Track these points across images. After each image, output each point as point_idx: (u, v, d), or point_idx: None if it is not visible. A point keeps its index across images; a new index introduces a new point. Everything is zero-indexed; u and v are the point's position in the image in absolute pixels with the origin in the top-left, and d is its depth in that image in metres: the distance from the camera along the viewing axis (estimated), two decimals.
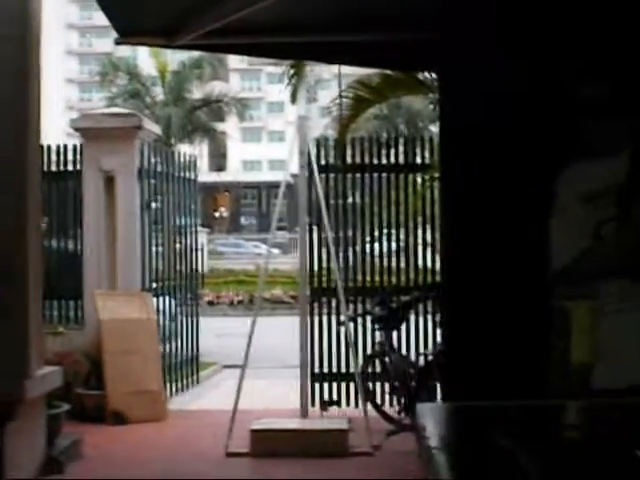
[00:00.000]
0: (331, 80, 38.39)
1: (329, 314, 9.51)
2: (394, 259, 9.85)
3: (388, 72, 8.86)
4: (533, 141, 3.44)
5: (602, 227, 2.93)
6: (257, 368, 11.12)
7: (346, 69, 9.46)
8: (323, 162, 9.53)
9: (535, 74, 3.53)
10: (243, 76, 64.17)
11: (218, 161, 56.41)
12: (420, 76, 9.08)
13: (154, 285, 9.97)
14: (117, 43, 6.01)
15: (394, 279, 9.68)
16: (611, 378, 2.49)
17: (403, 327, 8.96)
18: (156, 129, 11.03)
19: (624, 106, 3.04)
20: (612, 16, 3.54)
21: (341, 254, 9.68)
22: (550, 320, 2.01)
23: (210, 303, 22.08)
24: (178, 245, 10.75)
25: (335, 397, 9.44)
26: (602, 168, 3.05)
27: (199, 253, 11.28)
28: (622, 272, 2.74)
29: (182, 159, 10.78)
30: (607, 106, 3.03)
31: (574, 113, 3.08)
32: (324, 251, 9.42)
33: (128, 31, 5.83)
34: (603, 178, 3.00)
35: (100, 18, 5.77)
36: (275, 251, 33.19)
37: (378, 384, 8.84)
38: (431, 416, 1.98)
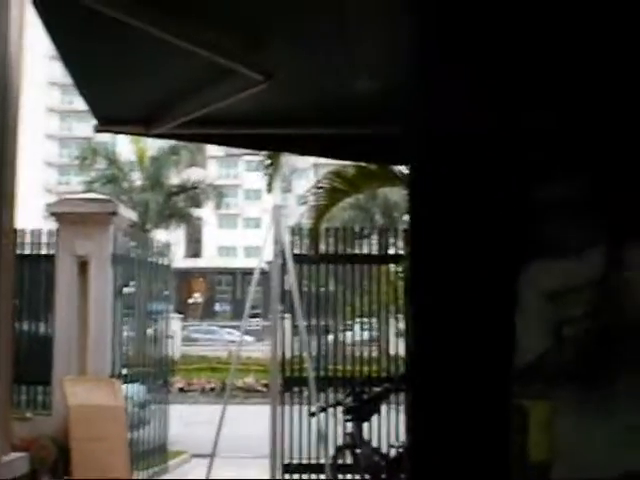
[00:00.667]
0: (307, 169, 38.79)
1: (300, 404, 9.46)
2: (366, 348, 9.85)
3: (363, 164, 8.99)
4: (500, 236, 3.50)
5: (563, 327, 2.97)
6: (227, 457, 10.98)
7: (322, 159, 9.59)
8: (297, 251, 9.59)
9: (501, 170, 3.60)
10: (221, 163, 64.72)
11: (194, 247, 56.50)
12: (395, 169, 9.22)
13: (124, 371, 9.89)
14: (96, 131, 6.08)
15: (366, 368, 9.67)
16: (568, 475, 2.50)
17: (374, 418, 8.92)
18: (132, 215, 11.10)
19: (596, 203, 3.11)
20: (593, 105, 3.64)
21: (314, 342, 9.68)
22: (510, 416, 2.03)
23: (181, 390, 21.85)
24: (150, 331, 10.71)
25: None
26: (567, 265, 3.10)
27: (171, 339, 11.24)
28: (579, 375, 2.78)
29: (156, 245, 10.82)
30: (578, 203, 3.09)
31: (541, 211, 3.15)
32: (297, 339, 9.41)
33: (107, 118, 5.90)
34: (567, 276, 3.05)
35: (81, 103, 5.85)
36: (248, 338, 33.06)
37: (349, 476, 8.76)
38: None
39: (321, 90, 5.26)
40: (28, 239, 9.93)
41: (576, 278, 3.02)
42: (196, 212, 37.37)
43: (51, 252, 9.86)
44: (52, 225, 10.09)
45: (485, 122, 3.74)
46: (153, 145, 34.77)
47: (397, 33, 4.06)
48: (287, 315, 9.42)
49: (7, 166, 4.32)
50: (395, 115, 4.27)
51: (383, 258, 9.74)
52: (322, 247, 9.72)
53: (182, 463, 11.91)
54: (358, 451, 8.36)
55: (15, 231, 5.31)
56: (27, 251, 9.91)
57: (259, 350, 26.42)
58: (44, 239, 9.96)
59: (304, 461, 9.42)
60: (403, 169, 8.80)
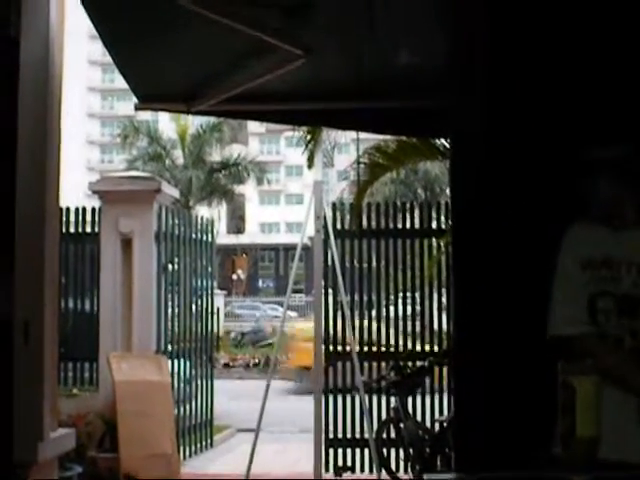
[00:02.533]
0: (348, 144, 38.72)
1: (344, 378, 9.48)
2: (410, 323, 9.84)
3: (404, 138, 8.94)
4: (545, 206, 3.47)
5: (600, 297, 2.95)
6: (271, 432, 11.06)
7: (363, 134, 9.55)
8: (339, 226, 9.58)
9: (545, 140, 3.57)
10: (262, 140, 64.75)
11: (236, 223, 56.69)
12: (436, 142, 9.16)
13: (170, 347, 9.98)
14: (137, 109, 6.12)
15: (409, 344, 9.66)
16: (617, 450, 2.48)
17: (418, 393, 8.92)
18: (174, 192, 11.14)
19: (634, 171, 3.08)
20: (629, 76, 3.60)
21: (357, 318, 9.68)
22: (557, 391, 2.02)
23: (226, 365, 22.01)
24: (194, 307, 10.78)
25: (349, 463, 9.36)
26: (604, 236, 3.07)
27: (215, 315, 11.30)
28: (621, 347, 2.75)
29: (200, 222, 10.86)
30: (619, 170, 3.07)
31: (586, 176, 3.12)
32: (340, 315, 9.42)
33: (148, 97, 5.93)
34: (605, 246, 3.03)
35: (122, 81, 5.87)
36: (292, 314, 33.19)
37: (393, 450, 8.78)
38: None
39: (361, 64, 5.24)
40: (72, 217, 10.02)
41: (613, 248, 3.01)
42: (238, 189, 37.42)
43: (95, 230, 9.94)
44: (95, 203, 10.17)
45: (529, 96, 3.71)
46: (194, 122, 34.83)
47: (441, 7, 4.04)
48: (330, 290, 9.42)
49: (51, 145, 4.35)
50: (436, 88, 4.25)
51: (425, 232, 9.70)
52: (364, 222, 9.70)
53: (227, 438, 12.02)
54: (402, 426, 8.36)
55: (60, 210, 5.36)
56: (72, 229, 10.00)
57: (302, 326, 26.52)
58: (88, 217, 10.05)
59: (348, 436, 9.45)
60: (444, 142, 8.74)
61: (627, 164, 3.06)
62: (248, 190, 44.06)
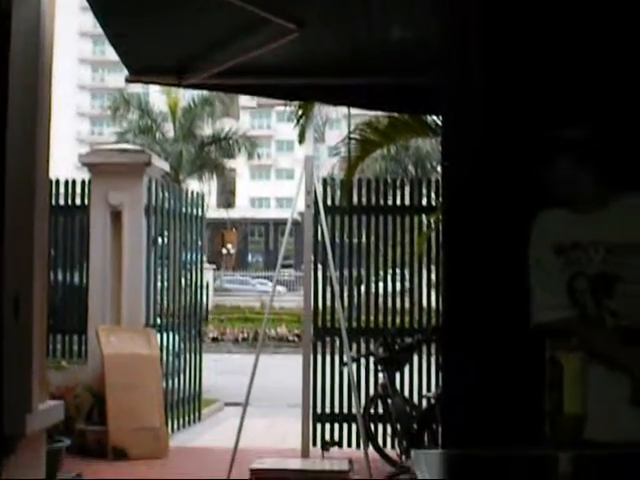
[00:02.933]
0: (340, 120, 38.62)
1: (332, 354, 9.51)
2: (398, 300, 9.86)
3: (395, 115, 8.92)
4: (533, 185, 3.48)
5: (575, 280, 2.96)
6: (259, 406, 11.10)
7: (355, 110, 9.52)
8: (330, 202, 9.58)
9: (538, 117, 3.57)
10: (253, 114, 64.56)
11: (226, 198, 56.61)
12: (428, 119, 9.14)
13: (158, 321, 9.99)
14: (127, 81, 6.09)
15: (398, 320, 9.69)
16: (604, 430, 2.50)
17: (406, 369, 8.95)
18: (165, 166, 11.11)
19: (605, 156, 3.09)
20: (605, 62, 3.60)
21: (346, 293, 9.69)
22: (544, 368, 2.03)
23: (214, 339, 22.04)
24: (183, 281, 10.78)
25: (337, 438, 9.40)
26: (571, 220, 3.09)
27: (204, 289, 11.30)
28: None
29: (190, 195, 10.84)
30: (576, 152, 3.07)
31: (546, 159, 3.12)
32: (329, 290, 9.43)
33: (139, 69, 5.91)
34: (572, 229, 3.04)
35: (113, 53, 5.84)
36: (281, 289, 33.22)
37: (380, 426, 8.82)
38: (426, 464, 2.00)
39: (353, 40, 5.23)
40: (62, 190, 9.99)
41: (585, 232, 3.03)
42: (229, 163, 37.36)
43: (85, 203, 9.91)
44: (85, 176, 10.14)
45: (522, 72, 3.71)
46: (185, 96, 34.70)
47: None
48: (319, 266, 9.43)
49: (41, 117, 4.33)
50: (428, 65, 4.24)
51: (416, 209, 9.70)
52: (354, 198, 9.69)
53: (215, 411, 12.06)
54: (390, 401, 8.40)
55: (49, 182, 5.34)
56: (61, 202, 9.97)
57: (291, 300, 26.59)
58: (78, 190, 10.02)
59: (336, 411, 9.48)
60: (436, 119, 8.73)
61: (585, 145, 3.06)
62: (239, 164, 44.00)
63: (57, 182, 9.84)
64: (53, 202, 9.52)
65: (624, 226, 2.99)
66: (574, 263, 3.02)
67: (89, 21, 57.70)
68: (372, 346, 9.14)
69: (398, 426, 8.17)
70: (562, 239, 3.05)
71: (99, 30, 5.55)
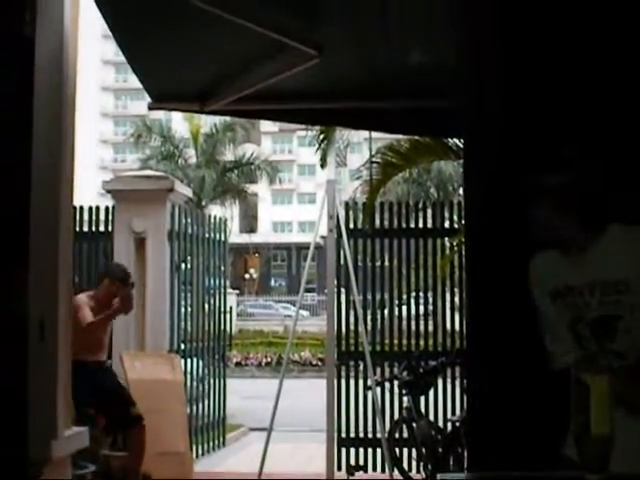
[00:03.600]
0: (361, 144, 38.68)
1: (356, 378, 9.48)
2: (422, 323, 9.83)
3: (417, 138, 8.93)
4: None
5: (576, 326, 2.93)
6: (284, 431, 11.07)
7: (376, 133, 9.53)
8: (352, 225, 9.58)
9: (559, 140, 3.57)
10: (275, 139, 64.79)
11: (249, 222, 56.76)
12: (450, 141, 9.14)
13: (182, 346, 10.00)
14: (150, 108, 6.14)
15: (422, 343, 9.66)
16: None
17: (431, 392, 8.92)
18: (187, 191, 11.16)
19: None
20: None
21: (369, 317, 9.68)
22: (570, 391, 2.01)
23: (238, 364, 22.05)
24: (207, 306, 10.80)
25: (362, 462, 9.36)
26: (561, 264, 3.05)
27: (228, 314, 11.32)
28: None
29: (212, 221, 10.88)
30: (558, 196, 3.02)
31: (532, 205, 3.10)
32: (352, 314, 9.42)
33: (161, 96, 5.95)
34: (563, 274, 3.01)
35: (135, 81, 5.90)
36: (304, 313, 33.21)
37: (405, 450, 8.78)
38: None
39: (374, 63, 5.25)
40: (86, 216, 10.05)
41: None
42: (251, 188, 37.48)
43: (109, 229, 9.97)
44: (109, 202, 10.20)
45: (543, 95, 3.71)
46: (207, 122, 34.89)
47: (455, 5, 4.04)
48: (342, 290, 9.43)
49: (65, 144, 4.37)
50: (448, 88, 4.25)
51: (438, 232, 9.69)
52: (377, 221, 9.69)
53: (240, 436, 12.04)
54: (414, 425, 8.36)
55: (74, 208, 5.38)
56: (85, 228, 10.03)
57: (314, 325, 26.56)
58: (102, 216, 10.08)
59: (360, 435, 9.45)
60: (457, 142, 8.73)
61: (567, 189, 3.02)
62: (261, 189, 44.13)
63: (81, 209, 9.90)
64: (77, 229, 9.57)
65: (612, 263, 2.93)
66: (571, 307, 2.98)
67: (111, 49, 58.24)
68: (396, 370, 9.11)
69: (423, 450, 8.12)
70: (557, 284, 3.02)
71: (121, 58, 5.61)
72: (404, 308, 9.98)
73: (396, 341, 9.69)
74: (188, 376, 9.86)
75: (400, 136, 9.25)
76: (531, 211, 3.04)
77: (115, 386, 7.60)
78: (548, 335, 3.00)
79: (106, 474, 8.44)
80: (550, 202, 2.99)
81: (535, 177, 3.03)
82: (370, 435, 9.34)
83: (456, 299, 9.69)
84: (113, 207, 9.94)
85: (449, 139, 8.95)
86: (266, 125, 51.98)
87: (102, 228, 10.06)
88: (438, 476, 2.51)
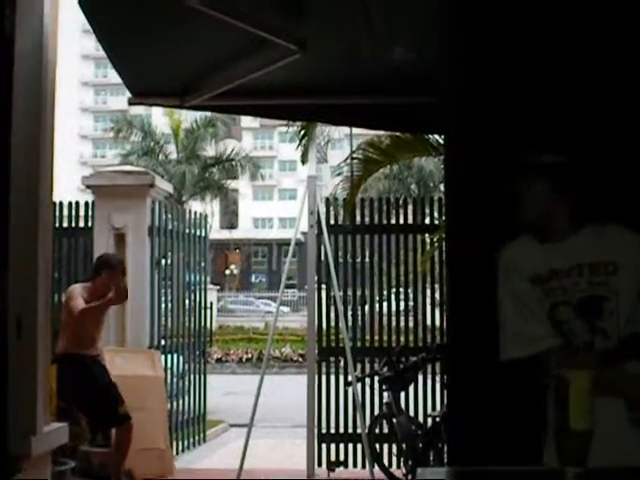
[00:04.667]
0: (342, 140, 38.70)
1: (337, 374, 9.49)
2: (403, 319, 9.85)
3: (397, 134, 8.95)
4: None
5: (555, 310, 2.95)
6: (264, 427, 11.08)
7: (357, 129, 9.54)
8: (333, 221, 9.58)
9: (539, 136, 3.58)
10: (256, 135, 64.71)
11: (229, 218, 56.68)
12: (430, 138, 9.17)
13: (163, 342, 9.98)
14: (130, 104, 6.12)
15: (402, 339, 9.67)
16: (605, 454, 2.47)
17: (411, 388, 8.94)
18: (168, 187, 11.13)
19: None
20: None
21: (350, 313, 9.69)
22: (550, 386, 2.02)
23: (219, 360, 22.02)
24: (187, 302, 10.77)
25: (342, 458, 9.37)
26: (543, 251, 3.07)
27: (208, 310, 11.30)
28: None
29: (193, 217, 10.85)
30: (543, 183, 3.04)
31: (513, 190, 3.11)
32: (333, 310, 9.43)
33: (141, 91, 5.93)
34: (546, 260, 3.03)
35: (115, 76, 5.88)
36: (284, 309, 33.23)
37: (385, 445, 8.79)
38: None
39: (355, 60, 5.25)
40: (66, 212, 10.01)
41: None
42: (232, 184, 37.43)
43: (89, 225, 9.92)
44: (89, 198, 10.16)
45: (523, 91, 3.72)
46: (188, 117, 34.83)
47: (435, 3, 4.04)
48: (323, 286, 9.43)
49: (44, 140, 4.35)
50: (430, 85, 4.26)
51: (419, 228, 9.70)
52: (357, 217, 9.70)
53: (220, 432, 12.03)
54: (395, 421, 8.37)
55: (53, 204, 5.35)
56: (65, 224, 9.99)
57: (295, 321, 26.57)
58: (81, 212, 10.03)
59: (341, 431, 9.46)
60: (438, 138, 8.75)
61: (552, 175, 3.04)
62: (242, 185, 44.10)
63: (61, 204, 9.86)
64: (57, 224, 9.52)
65: (598, 247, 2.97)
66: (554, 292, 3.00)
67: (91, 44, 57.96)
68: (377, 365, 9.13)
69: (403, 445, 8.14)
70: (538, 269, 3.03)
71: (101, 53, 5.59)
72: (385, 304, 10.00)
73: (377, 337, 9.70)
74: (168, 372, 9.84)
75: (381, 132, 9.26)
76: (517, 199, 3.05)
77: (107, 382, 7.56)
78: (521, 321, 2.99)
79: (86, 470, 8.42)
80: (540, 190, 3.01)
81: (530, 163, 3.04)
82: (350, 431, 9.35)
83: (436, 295, 9.71)
84: (93, 202, 9.90)
85: (430, 135, 8.97)
86: (247, 121, 51.94)
87: (82, 224, 10.01)
88: (418, 471, 2.52)
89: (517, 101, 3.72)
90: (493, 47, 3.75)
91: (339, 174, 11.93)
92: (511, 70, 3.72)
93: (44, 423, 4.31)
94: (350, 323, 9.58)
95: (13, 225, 3.71)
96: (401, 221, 9.73)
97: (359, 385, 8.83)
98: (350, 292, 9.73)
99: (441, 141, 8.30)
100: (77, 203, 10.07)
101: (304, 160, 9.52)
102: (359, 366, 9.35)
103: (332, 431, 9.44)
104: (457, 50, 3.86)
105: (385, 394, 8.67)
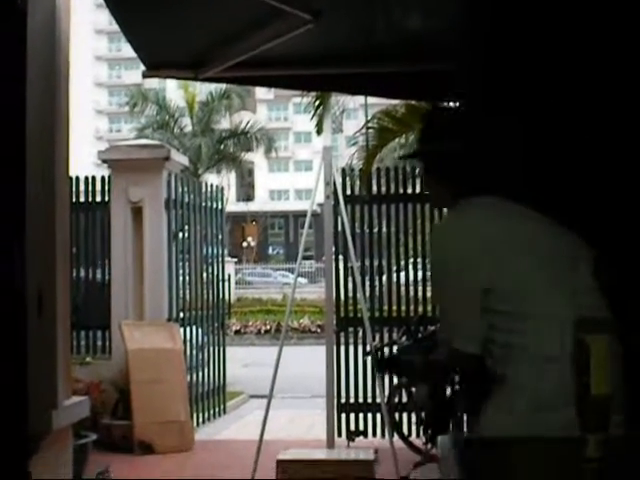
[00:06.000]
0: (357, 110, 38.55)
1: (355, 344, 9.51)
2: (420, 288, 9.84)
3: (413, 102, 8.89)
4: (552, 169, 3.46)
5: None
6: (284, 398, 11.13)
7: (372, 99, 9.48)
8: (349, 192, 9.57)
9: (552, 101, 3.55)
10: (270, 106, 64.56)
11: (245, 191, 56.64)
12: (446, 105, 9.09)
13: (181, 315, 10.02)
14: (144, 76, 6.10)
15: (420, 308, 9.67)
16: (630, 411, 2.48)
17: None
18: (184, 160, 11.13)
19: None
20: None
21: (367, 283, 9.69)
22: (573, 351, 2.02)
23: (237, 332, 22.12)
24: (205, 275, 10.81)
25: (361, 427, 9.41)
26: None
27: (226, 283, 11.33)
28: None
29: (209, 189, 10.85)
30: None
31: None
32: (350, 280, 9.43)
33: (155, 64, 5.91)
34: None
35: (129, 50, 5.86)
36: (302, 280, 33.27)
37: (405, 415, 8.82)
38: (451, 449, 1.99)
39: (369, 28, 5.20)
40: (82, 187, 10.03)
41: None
42: (247, 156, 37.38)
43: (105, 199, 9.95)
44: (105, 172, 10.17)
45: (538, 57, 3.68)
46: (202, 90, 34.76)
47: None
48: (340, 256, 9.43)
49: (60, 115, 4.35)
50: (445, 51, 4.22)
51: None
52: (374, 188, 9.67)
53: (240, 404, 12.10)
54: (414, 390, 8.39)
55: (69, 179, 5.36)
56: (82, 199, 10.01)
57: (313, 292, 26.62)
58: (98, 186, 10.05)
59: (360, 400, 9.49)
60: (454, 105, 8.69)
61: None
62: (257, 157, 44.01)
63: (77, 179, 9.88)
64: (74, 199, 9.55)
65: None
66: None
67: (104, 18, 57.84)
68: (395, 335, 9.13)
69: (423, 414, 8.15)
70: None
71: (114, 27, 5.56)
72: (402, 274, 9.99)
73: (395, 307, 9.70)
74: (187, 345, 9.89)
75: (396, 101, 9.21)
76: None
77: None
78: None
79: (108, 443, 8.49)
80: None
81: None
82: (370, 400, 9.39)
83: None
84: (109, 177, 9.92)
85: (445, 103, 8.90)
86: (262, 92, 51.77)
87: (99, 198, 10.04)
88: (439, 439, 2.52)
89: (535, 67, 3.68)
90: (510, 12, 3.71)
91: (354, 144, 11.89)
92: (528, 35, 3.68)
93: (65, 397, 4.34)
94: (368, 293, 9.58)
95: (30, 201, 3.72)
96: (417, 190, 9.70)
97: (378, 354, 8.84)
98: (367, 262, 9.73)
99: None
100: (93, 178, 10.09)
101: (319, 131, 9.49)
102: (377, 336, 9.36)
103: (351, 401, 9.48)
104: (473, 15, 3.82)
105: None
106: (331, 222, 8.61)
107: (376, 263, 9.79)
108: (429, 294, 9.65)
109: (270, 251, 58.68)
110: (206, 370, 10.58)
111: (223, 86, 31.32)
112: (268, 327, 22.64)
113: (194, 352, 10.26)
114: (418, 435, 8.40)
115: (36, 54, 3.89)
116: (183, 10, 4.96)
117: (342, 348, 9.43)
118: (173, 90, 38.44)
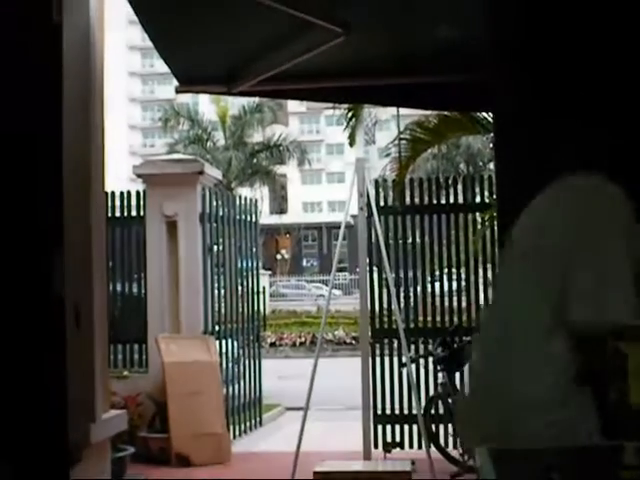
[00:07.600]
0: (389, 121, 38.54)
1: (391, 355, 9.49)
2: (455, 298, 9.81)
3: (445, 113, 8.88)
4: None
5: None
6: (320, 410, 11.11)
7: (404, 110, 9.47)
8: (382, 203, 9.56)
9: (588, 113, 3.53)
10: (302, 119, 64.70)
11: (279, 203, 56.76)
12: (478, 115, 9.08)
13: (217, 328, 10.05)
14: (177, 92, 6.15)
15: (456, 319, 9.64)
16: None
17: (466, 368, 8.90)
18: (217, 174, 11.19)
19: None
20: None
21: (402, 294, 9.67)
22: (607, 358, 2.00)
23: (272, 345, 22.13)
24: (240, 288, 10.84)
25: (398, 439, 9.38)
26: None
27: (261, 295, 11.35)
28: None
29: (243, 203, 10.90)
30: None
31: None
32: (385, 292, 9.42)
33: (188, 79, 5.96)
34: None
35: (162, 66, 5.92)
36: (336, 292, 33.29)
37: (441, 426, 8.78)
38: (489, 461, 1.99)
39: (401, 40, 5.22)
40: (117, 202, 10.11)
41: None
42: (279, 169, 37.50)
43: (140, 214, 10.01)
44: (139, 187, 10.24)
45: (572, 68, 3.67)
46: (235, 104, 34.93)
47: None
48: (374, 268, 9.42)
49: (95, 130, 4.40)
50: (478, 62, 4.22)
51: (469, 207, 9.65)
52: (407, 198, 9.66)
53: (276, 416, 12.10)
54: (450, 400, 8.36)
55: (105, 194, 5.41)
56: (117, 214, 10.09)
57: (347, 303, 26.60)
58: (133, 201, 10.12)
59: (396, 412, 9.47)
60: (486, 116, 8.67)
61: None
62: (290, 170, 44.10)
63: (112, 194, 9.96)
64: (109, 214, 9.63)
65: None
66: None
67: (137, 35, 58.32)
68: (431, 346, 9.11)
69: None
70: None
71: (147, 43, 5.62)
72: (437, 284, 9.96)
73: (430, 318, 9.67)
74: (223, 357, 9.92)
75: (428, 112, 9.20)
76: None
77: None
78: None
79: (145, 455, 8.54)
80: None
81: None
82: (406, 412, 9.36)
83: (489, 274, 9.64)
84: (144, 191, 9.99)
85: (478, 113, 8.89)
86: (293, 105, 51.88)
87: (134, 213, 10.11)
88: (476, 450, 2.49)
89: (566, 78, 3.67)
90: (542, 22, 3.71)
91: (387, 155, 11.87)
92: (560, 46, 3.67)
93: (103, 410, 4.38)
94: (403, 304, 9.57)
95: (67, 216, 3.76)
96: (451, 200, 9.69)
97: (413, 366, 8.82)
98: (402, 273, 9.71)
99: (490, 119, 8.22)
100: (129, 192, 10.16)
101: (352, 142, 9.49)
102: (413, 347, 9.34)
103: (388, 412, 9.45)
104: (504, 26, 3.81)
105: (440, 374, 8.65)
106: (365, 233, 8.62)
107: (410, 274, 9.78)
108: (464, 304, 9.62)
109: (304, 263, 58.73)
110: (242, 382, 10.60)
111: (255, 100, 31.46)
112: (303, 339, 22.63)
113: (230, 365, 10.29)
114: (455, 446, 8.36)
115: (71, 68, 3.94)
116: (215, 25, 5.00)
117: (377, 359, 9.42)
118: (206, 104, 38.64)
